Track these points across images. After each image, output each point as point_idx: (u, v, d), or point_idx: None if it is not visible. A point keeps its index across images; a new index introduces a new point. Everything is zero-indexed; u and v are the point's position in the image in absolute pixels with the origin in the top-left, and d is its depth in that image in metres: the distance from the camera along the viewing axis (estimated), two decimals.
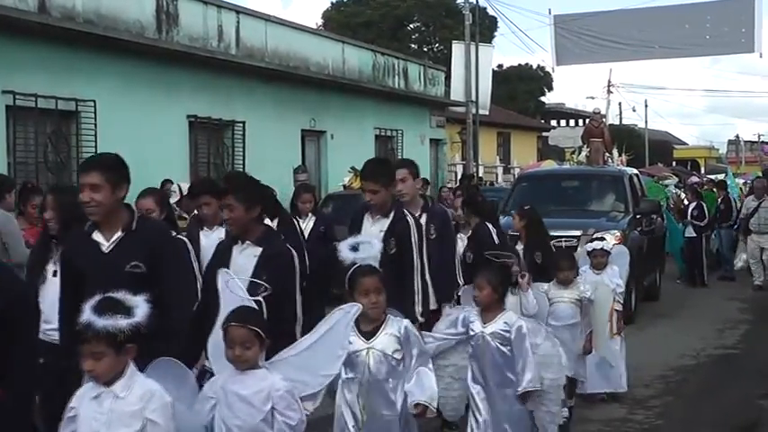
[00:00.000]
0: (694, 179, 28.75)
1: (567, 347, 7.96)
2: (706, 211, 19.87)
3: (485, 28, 42.40)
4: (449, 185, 24.41)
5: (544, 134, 54.23)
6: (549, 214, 15.21)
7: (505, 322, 6.26)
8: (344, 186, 20.60)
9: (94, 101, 16.13)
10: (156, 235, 5.47)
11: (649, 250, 16.08)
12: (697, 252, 19.56)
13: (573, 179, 17.34)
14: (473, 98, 31.78)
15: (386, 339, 5.60)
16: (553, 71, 43.09)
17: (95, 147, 15.99)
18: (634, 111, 68.65)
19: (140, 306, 4.30)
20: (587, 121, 22.21)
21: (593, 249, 9.51)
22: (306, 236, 10.29)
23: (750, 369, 11.46)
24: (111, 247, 5.26)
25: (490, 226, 9.09)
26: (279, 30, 22.49)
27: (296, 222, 10.20)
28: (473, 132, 32.32)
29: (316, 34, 26.14)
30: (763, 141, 71.84)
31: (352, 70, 25.85)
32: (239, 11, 20.97)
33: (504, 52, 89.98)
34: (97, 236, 5.30)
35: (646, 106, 66.32)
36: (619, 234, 14.23)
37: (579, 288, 8.40)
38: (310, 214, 11.08)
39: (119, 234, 5.26)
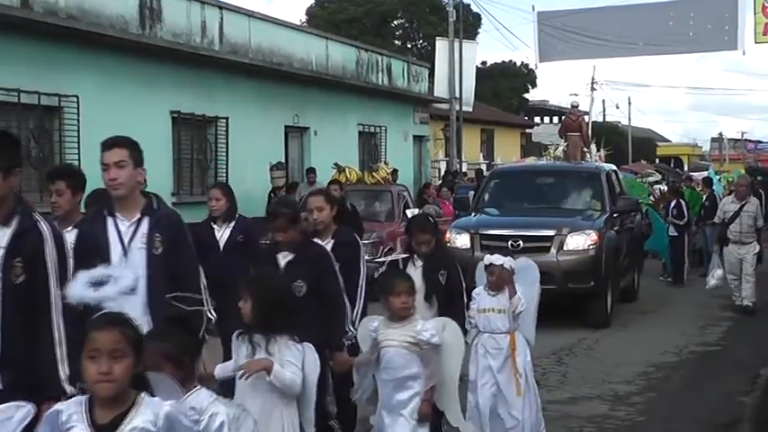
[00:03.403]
0: (693, 175, 28.58)
1: (396, 414, 6.04)
2: (685, 210, 19.70)
3: (468, 25, 42.46)
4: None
5: (528, 131, 54.32)
6: (522, 212, 15.10)
7: (193, 408, 4.03)
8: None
9: (77, 96, 16.05)
10: None
11: (627, 250, 15.79)
12: (679, 251, 19.56)
13: (548, 175, 16.67)
14: (457, 95, 31.87)
15: None
16: (536, 68, 43.27)
17: (78, 142, 15.93)
18: (617, 108, 69.02)
19: None
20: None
21: (491, 264, 7.29)
22: (222, 246, 8.98)
23: (732, 366, 11.50)
24: None
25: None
26: (262, 26, 22.43)
27: (212, 229, 9.07)
28: (457, 129, 32.39)
29: (299, 30, 26.12)
30: (746, 139, 72.11)
31: (336, 66, 25.81)
32: (223, 7, 20.90)
33: (487, 49, 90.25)
34: None
35: (629, 103, 66.65)
36: (594, 233, 13.94)
37: (416, 327, 6.02)
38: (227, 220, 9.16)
39: None
